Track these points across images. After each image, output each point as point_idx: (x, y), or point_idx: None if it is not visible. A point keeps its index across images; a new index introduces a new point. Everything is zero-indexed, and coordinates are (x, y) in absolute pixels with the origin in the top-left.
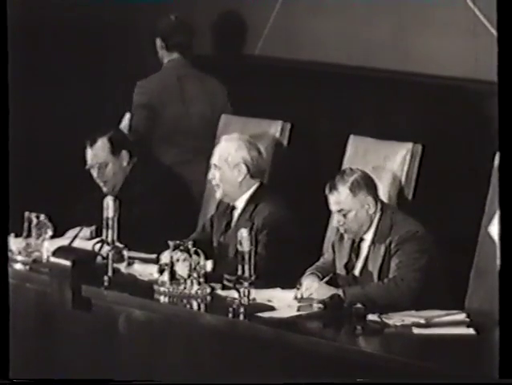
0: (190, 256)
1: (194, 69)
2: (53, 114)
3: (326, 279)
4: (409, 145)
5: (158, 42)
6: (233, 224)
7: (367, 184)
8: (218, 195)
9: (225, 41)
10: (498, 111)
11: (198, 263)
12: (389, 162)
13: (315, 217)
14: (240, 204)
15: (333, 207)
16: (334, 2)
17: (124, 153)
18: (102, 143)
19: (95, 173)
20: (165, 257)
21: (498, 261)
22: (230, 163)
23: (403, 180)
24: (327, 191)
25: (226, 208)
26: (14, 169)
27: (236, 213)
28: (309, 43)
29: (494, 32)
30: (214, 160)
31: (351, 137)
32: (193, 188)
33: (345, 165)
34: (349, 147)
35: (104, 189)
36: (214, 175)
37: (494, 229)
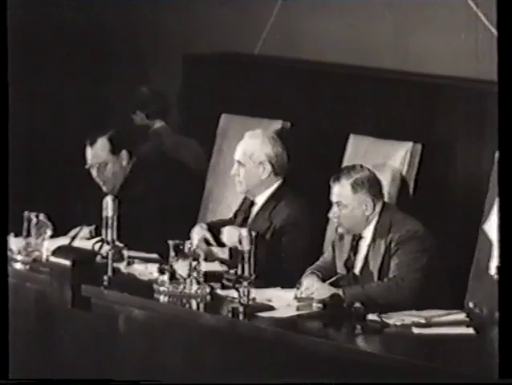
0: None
1: (178, 135)
2: (53, 114)
3: (331, 280)
4: (409, 145)
5: (138, 114)
6: (250, 220)
7: (370, 184)
8: (240, 190)
9: (225, 41)
10: (498, 111)
11: (198, 263)
12: (389, 161)
13: (315, 217)
14: (260, 200)
15: (333, 198)
16: (334, 2)
17: (124, 153)
18: (102, 143)
19: (94, 172)
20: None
21: (496, 261)
22: (255, 160)
23: (403, 179)
24: (331, 181)
25: (245, 204)
26: (14, 169)
27: (255, 210)
28: (309, 43)
29: (495, 32)
30: (238, 156)
31: (352, 136)
32: (192, 187)
33: (345, 164)
34: (349, 146)
35: (104, 188)
36: (238, 171)
37: (490, 227)
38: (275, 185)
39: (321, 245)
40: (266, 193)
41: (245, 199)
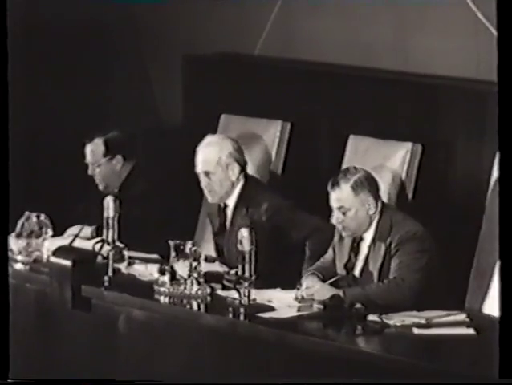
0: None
1: None
2: (53, 114)
3: (331, 280)
4: (409, 145)
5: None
6: (228, 222)
7: (369, 184)
8: (214, 200)
9: (225, 41)
10: (498, 111)
11: (198, 263)
12: (389, 162)
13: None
14: (231, 201)
15: (334, 204)
16: (334, 2)
17: (119, 158)
18: (96, 145)
19: (89, 170)
20: None
21: (498, 261)
22: (223, 164)
23: (403, 179)
24: (329, 187)
25: (218, 209)
26: (15, 169)
27: (229, 212)
28: (309, 43)
29: (494, 32)
30: (203, 167)
31: (351, 137)
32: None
33: (345, 165)
34: (349, 146)
35: (100, 187)
36: (207, 182)
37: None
38: (241, 183)
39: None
40: (235, 193)
41: (217, 206)
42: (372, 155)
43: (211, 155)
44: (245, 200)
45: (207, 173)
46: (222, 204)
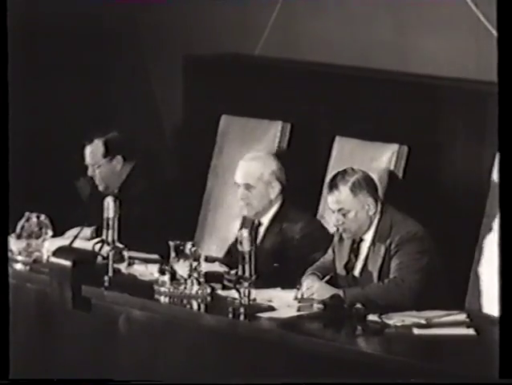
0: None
1: None
2: (53, 114)
3: (326, 279)
4: (395, 146)
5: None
6: (258, 240)
7: (368, 184)
8: (249, 214)
9: (226, 41)
10: (498, 111)
11: (198, 263)
12: (375, 163)
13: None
14: (266, 220)
15: (333, 206)
16: (334, 3)
17: (119, 158)
18: (96, 146)
19: (89, 171)
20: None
21: (498, 262)
22: (265, 180)
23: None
24: (326, 190)
25: (252, 225)
26: (15, 169)
27: (262, 230)
28: (309, 44)
29: (494, 32)
30: (243, 179)
31: (337, 139)
32: (193, 188)
33: (331, 167)
34: (335, 148)
35: (100, 188)
36: (246, 194)
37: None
38: (278, 203)
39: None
40: (271, 212)
41: (244, 220)
42: (358, 156)
43: (254, 169)
44: (280, 219)
45: (247, 186)
46: (256, 222)
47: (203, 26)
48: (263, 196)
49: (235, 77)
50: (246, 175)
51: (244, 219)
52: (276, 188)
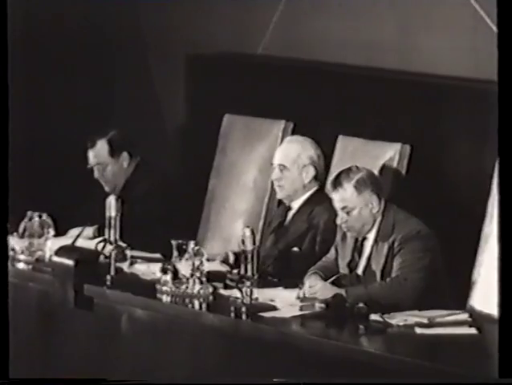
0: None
1: None
2: (54, 114)
3: (332, 279)
4: (397, 146)
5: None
6: (286, 223)
7: (372, 182)
8: (281, 196)
9: (228, 40)
10: (498, 111)
11: (201, 262)
12: (378, 162)
13: None
14: (296, 204)
15: (337, 204)
16: (336, 2)
17: (125, 155)
18: (101, 145)
19: (96, 173)
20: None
21: (498, 261)
22: (300, 164)
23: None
24: (330, 188)
25: (279, 208)
26: (16, 169)
27: (290, 214)
28: (312, 43)
29: (495, 31)
30: (280, 160)
31: (340, 138)
32: (195, 187)
33: (334, 166)
34: (337, 147)
35: (106, 188)
36: (279, 176)
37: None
38: (312, 190)
39: None
40: (303, 198)
41: (279, 204)
42: (361, 155)
43: (291, 150)
44: (310, 205)
45: (282, 167)
46: (287, 205)
47: (206, 25)
48: (295, 180)
49: (238, 76)
50: (283, 156)
51: (279, 202)
52: (310, 173)
